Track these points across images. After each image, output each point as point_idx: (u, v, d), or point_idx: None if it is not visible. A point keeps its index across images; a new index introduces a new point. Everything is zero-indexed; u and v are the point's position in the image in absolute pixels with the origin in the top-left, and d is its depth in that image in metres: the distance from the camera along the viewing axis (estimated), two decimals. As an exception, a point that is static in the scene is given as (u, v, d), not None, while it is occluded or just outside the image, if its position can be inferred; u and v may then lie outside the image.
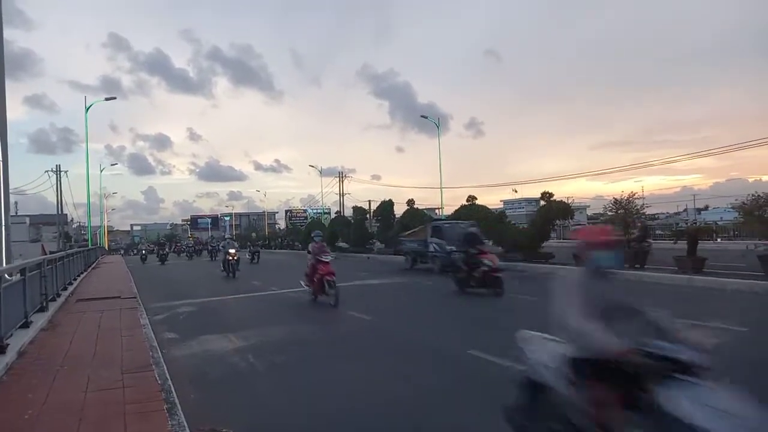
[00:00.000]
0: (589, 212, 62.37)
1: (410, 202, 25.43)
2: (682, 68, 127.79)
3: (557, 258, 18.19)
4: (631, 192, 16.54)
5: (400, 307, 11.51)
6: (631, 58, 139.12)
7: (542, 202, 19.07)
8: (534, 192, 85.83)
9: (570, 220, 20.75)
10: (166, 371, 5.61)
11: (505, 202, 69.86)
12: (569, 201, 18.37)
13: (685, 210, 69.75)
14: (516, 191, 56.55)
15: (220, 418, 4.62)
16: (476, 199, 21.67)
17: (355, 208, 33.82)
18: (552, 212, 18.07)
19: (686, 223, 29.53)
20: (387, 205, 28.45)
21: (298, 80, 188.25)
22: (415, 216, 25.09)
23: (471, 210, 21.39)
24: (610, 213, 16.88)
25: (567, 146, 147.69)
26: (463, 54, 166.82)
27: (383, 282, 16.11)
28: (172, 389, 4.89)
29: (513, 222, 22.02)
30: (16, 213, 65.67)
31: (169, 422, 4.00)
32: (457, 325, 9.11)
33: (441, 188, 38.82)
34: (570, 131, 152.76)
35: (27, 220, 67.75)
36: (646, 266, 15.36)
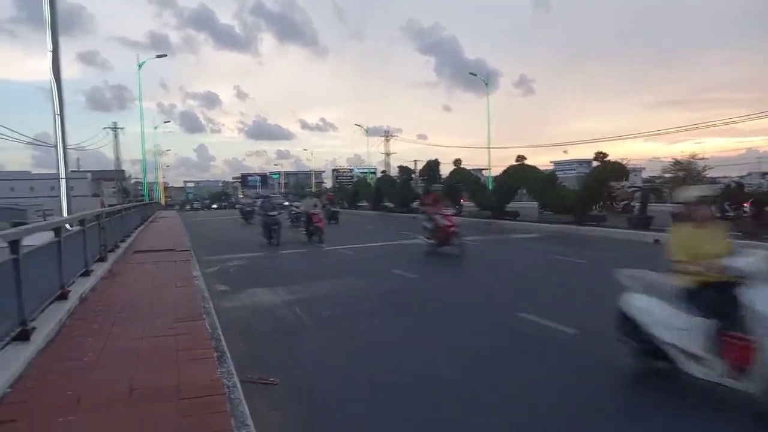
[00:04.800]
0: (645, 174, 59.59)
1: (457, 162, 24.92)
2: (739, 26, 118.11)
3: (609, 221, 17.55)
4: (692, 153, 15.51)
5: (446, 266, 11.43)
6: (687, 15, 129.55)
7: (595, 163, 18.30)
8: (586, 153, 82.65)
9: (625, 182, 19.82)
10: (217, 321, 5.77)
11: (556, 164, 67.68)
12: (624, 162, 17.53)
13: (749, 174, 65.64)
14: (567, 152, 54.47)
15: (266, 367, 4.74)
16: (525, 159, 21.00)
17: (401, 168, 33.54)
18: (606, 173, 17.31)
19: (751, 187, 27.69)
20: (433, 165, 28.04)
21: (342, 36, 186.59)
22: (462, 176, 24.65)
23: (520, 170, 20.79)
24: (669, 174, 15.94)
25: (621, 105, 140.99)
26: (513, 5, 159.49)
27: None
28: (222, 338, 5.02)
29: (563, 183, 21.29)
30: (78, 168, 68.85)
31: (219, 369, 4.09)
32: (503, 285, 8.97)
33: (489, 148, 37.97)
34: (624, 89, 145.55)
35: (88, 175, 70.97)
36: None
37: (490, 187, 25.71)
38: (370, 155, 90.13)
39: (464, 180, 24.39)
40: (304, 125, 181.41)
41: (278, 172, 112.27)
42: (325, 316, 6.94)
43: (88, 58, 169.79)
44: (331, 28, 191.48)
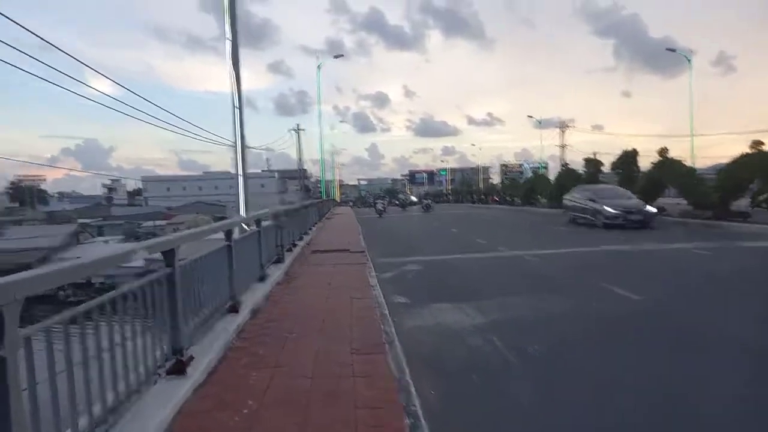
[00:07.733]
0: None
1: (663, 151, 20.90)
2: None
3: None
4: None
5: (681, 284, 8.85)
6: None
7: None
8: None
9: None
10: (401, 354, 4.52)
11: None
12: None
13: None
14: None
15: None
16: (763, 144, 16.58)
17: (587, 160, 29.79)
18: None
19: None
20: (630, 156, 24.03)
21: (509, 26, 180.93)
22: (670, 168, 20.57)
23: (755, 160, 16.45)
24: None
25: None
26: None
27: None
28: (412, 389, 3.71)
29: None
30: (269, 168, 76.19)
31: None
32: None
33: (691, 136, 32.35)
34: None
35: (276, 174, 78.24)
36: None
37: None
38: (542, 149, 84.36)
39: (674, 173, 20.34)
40: (470, 120, 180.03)
41: (445, 169, 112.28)
42: (533, 352, 5.26)
43: (275, 67, 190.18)
44: (498, 18, 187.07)
